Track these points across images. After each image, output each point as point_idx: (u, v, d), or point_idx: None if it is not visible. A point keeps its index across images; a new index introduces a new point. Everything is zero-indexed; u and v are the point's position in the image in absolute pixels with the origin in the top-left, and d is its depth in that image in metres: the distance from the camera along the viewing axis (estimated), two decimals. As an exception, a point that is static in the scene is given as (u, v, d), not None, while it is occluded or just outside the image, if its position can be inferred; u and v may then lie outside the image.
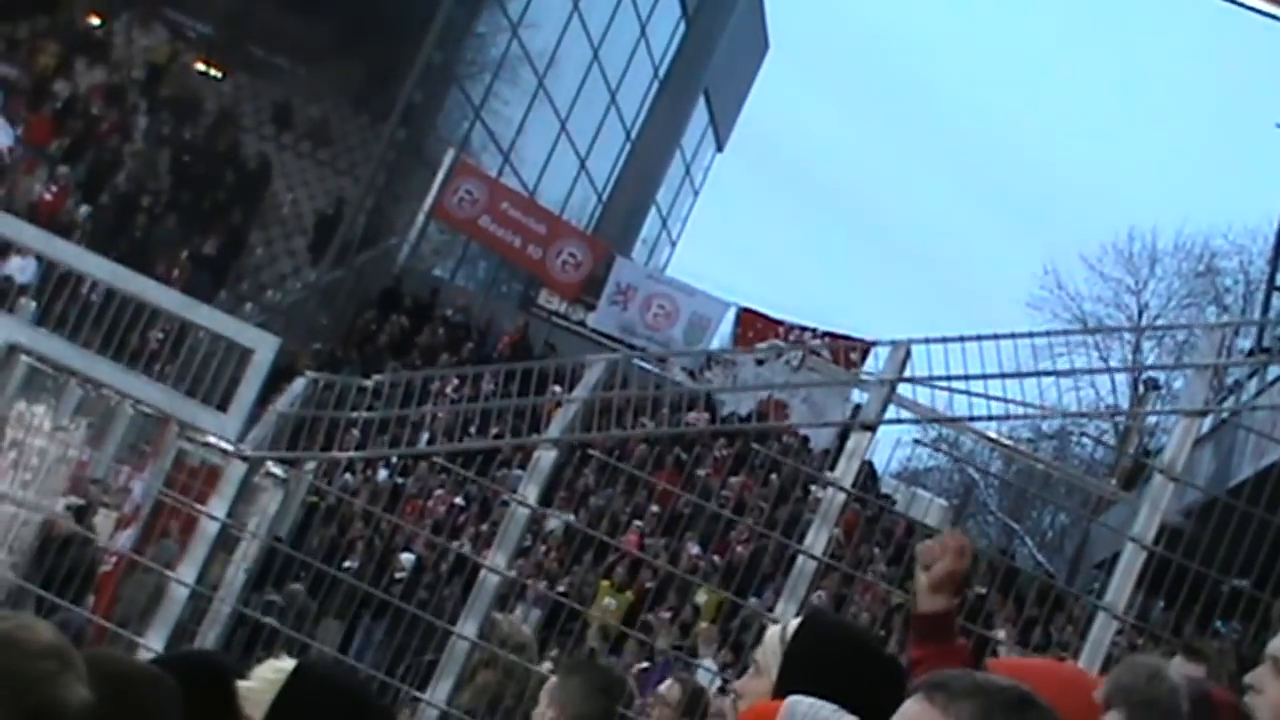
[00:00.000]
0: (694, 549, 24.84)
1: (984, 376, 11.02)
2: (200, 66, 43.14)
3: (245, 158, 38.92)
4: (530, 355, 32.37)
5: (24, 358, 11.47)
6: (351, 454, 15.16)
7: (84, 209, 33.88)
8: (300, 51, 44.77)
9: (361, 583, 15.70)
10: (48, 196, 33.33)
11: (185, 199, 36.17)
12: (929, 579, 5.24)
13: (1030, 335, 12.12)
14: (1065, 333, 17.73)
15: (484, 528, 24.41)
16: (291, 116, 41.43)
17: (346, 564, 22.15)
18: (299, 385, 11.62)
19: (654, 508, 24.91)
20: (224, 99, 41.27)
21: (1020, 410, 12.06)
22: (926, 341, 11.38)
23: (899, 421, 11.84)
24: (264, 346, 10.88)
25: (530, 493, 10.90)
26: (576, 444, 16.08)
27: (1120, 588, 11.30)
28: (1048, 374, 11.69)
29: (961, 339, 11.15)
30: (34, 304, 24.88)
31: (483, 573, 10.56)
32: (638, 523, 25.64)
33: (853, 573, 15.57)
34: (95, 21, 42.38)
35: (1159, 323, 51.41)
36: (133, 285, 11.20)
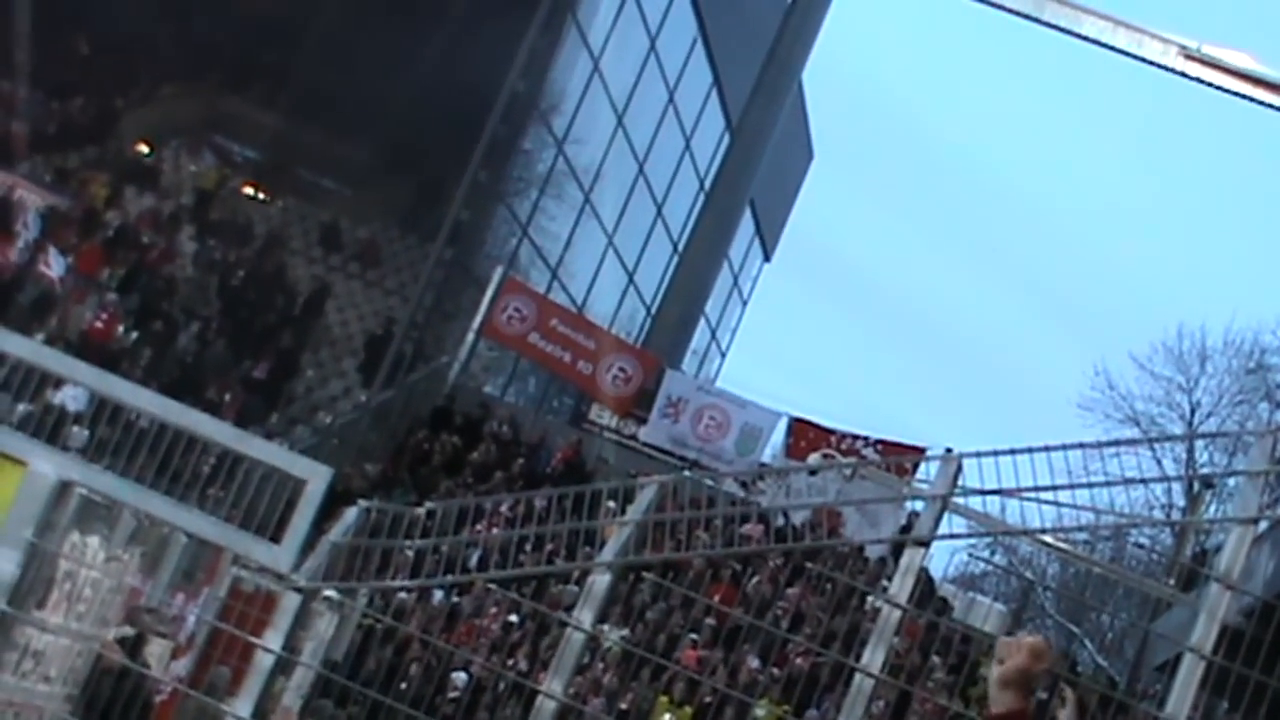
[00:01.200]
0: (753, 662, 24.70)
1: (1036, 489, 10.99)
2: (248, 191, 43.47)
3: (294, 280, 39.10)
4: (584, 470, 32.32)
5: (78, 490, 11.51)
6: (405, 583, 15.17)
7: (134, 335, 34.03)
8: (346, 173, 45.08)
9: (418, 709, 15.66)
10: (98, 324, 33.51)
11: (235, 323, 36.32)
12: (1000, 674, 5.20)
13: (1080, 446, 12.08)
14: (1113, 444, 17.67)
15: (543, 643, 24.32)
16: (339, 238, 41.64)
17: (404, 685, 22.11)
18: (351, 514, 11.66)
19: (710, 620, 24.81)
20: (272, 222, 41.52)
21: (1073, 518, 12.00)
22: (978, 455, 11.37)
23: (953, 537, 11.83)
24: (316, 477, 10.90)
25: (585, 616, 10.90)
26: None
27: (1181, 697, 11.22)
28: (1097, 484, 11.66)
29: (1012, 451, 11.14)
30: (85, 432, 24.98)
31: (539, 698, 10.55)
32: (694, 636, 25.52)
33: (909, 689, 15.46)
34: (144, 150, 42.78)
35: (1211, 420, 51.17)
36: (183, 418, 11.25)
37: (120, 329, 33.94)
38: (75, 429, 25.52)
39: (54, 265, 34.20)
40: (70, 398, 27.24)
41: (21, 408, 22.55)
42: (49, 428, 22.45)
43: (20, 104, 36.37)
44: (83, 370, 12.92)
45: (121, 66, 42.59)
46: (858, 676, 10.90)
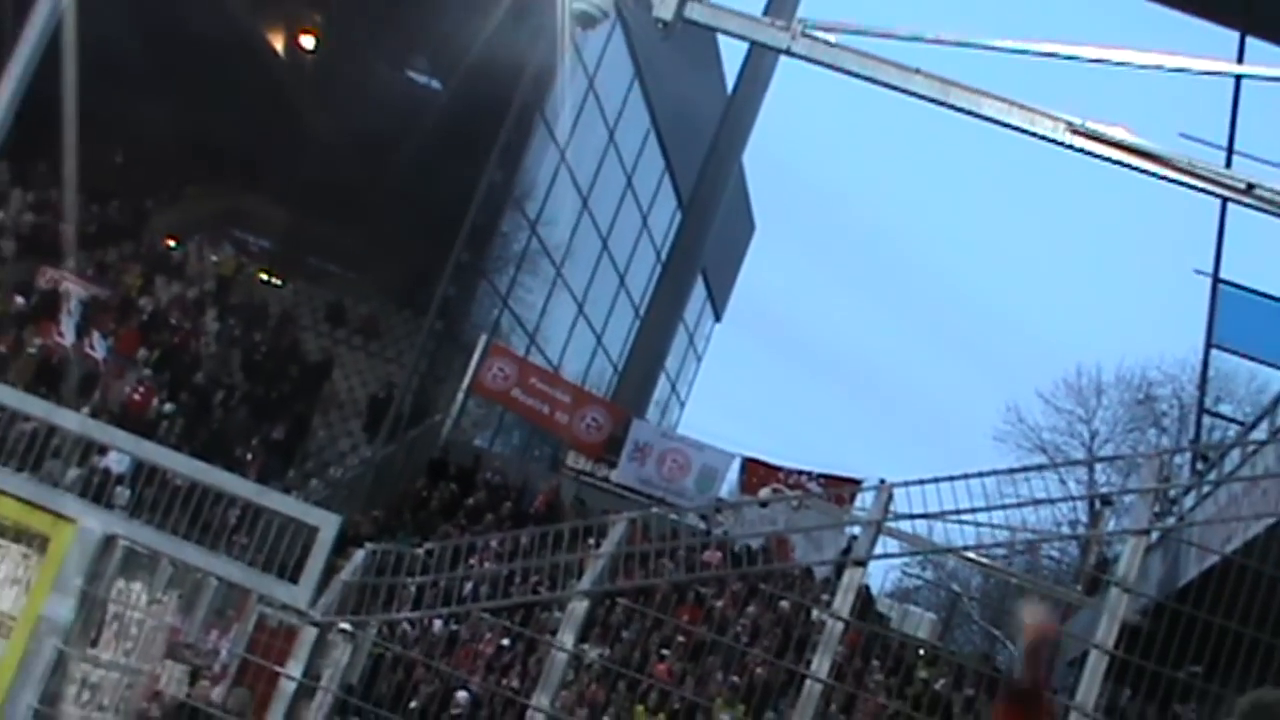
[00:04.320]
0: (719, 674, 24.65)
1: (959, 511, 11.03)
2: (263, 276, 43.48)
3: (306, 353, 39.06)
4: (562, 510, 32.25)
5: (122, 543, 11.50)
6: (409, 614, 15.12)
7: (168, 405, 33.98)
8: (348, 258, 45.16)
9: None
10: (136, 397, 33.47)
11: (255, 391, 36.27)
12: (1026, 649, 5.32)
13: (995, 473, 12.13)
14: (1024, 470, 17.70)
15: (532, 661, 24.22)
16: (344, 315, 41.63)
17: (413, 704, 22.00)
18: (360, 556, 11.65)
19: (679, 638, 24.74)
20: (285, 303, 41.52)
21: (992, 535, 12.02)
22: (906, 484, 11.40)
23: (887, 556, 11.85)
24: (328, 524, 10.90)
25: (568, 638, 10.88)
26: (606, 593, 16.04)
27: (1088, 687, 11.24)
28: (1011, 506, 11.70)
29: (937, 480, 11.18)
30: (128, 491, 24.89)
31: (531, 711, 10.53)
32: (665, 652, 25.43)
33: (853, 690, 15.44)
34: (172, 244, 42.77)
35: (1108, 445, 51.39)
36: (212, 477, 11.25)
37: (155, 400, 33.89)
38: (119, 489, 25.44)
39: (97, 347, 34.17)
40: (114, 462, 27.19)
41: (73, 472, 22.50)
42: (96, 488, 22.46)
43: (65, 208, 36.33)
44: (123, 438, 12.91)
45: (150, 172, 42.63)
46: (808, 682, 10.89)
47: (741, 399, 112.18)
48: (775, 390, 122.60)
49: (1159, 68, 10.68)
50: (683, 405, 61.36)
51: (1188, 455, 29.76)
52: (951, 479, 11.20)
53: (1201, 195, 10.60)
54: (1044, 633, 5.37)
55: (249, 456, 33.05)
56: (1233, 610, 11.65)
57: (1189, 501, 24.39)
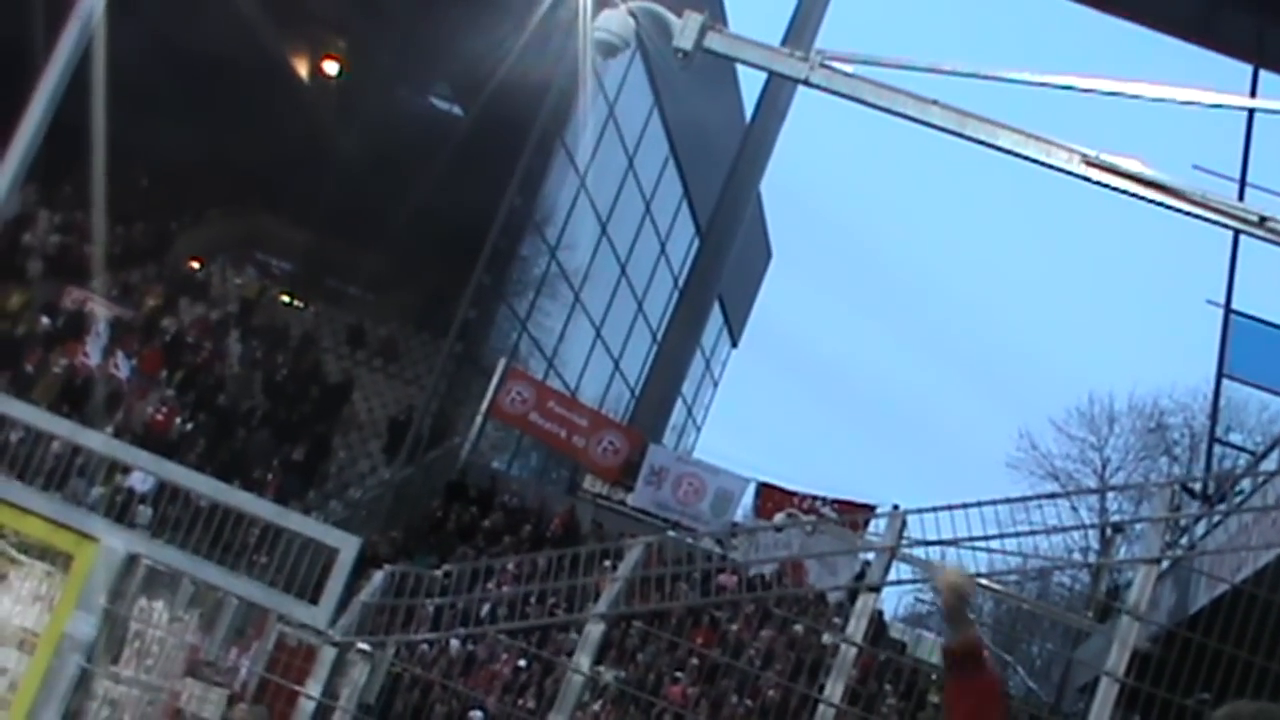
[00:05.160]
0: (735, 697, 24.61)
1: (971, 538, 11.03)
2: (285, 299, 43.55)
3: (326, 375, 39.11)
4: (579, 533, 32.25)
5: (144, 562, 11.52)
6: (427, 635, 15.13)
7: (190, 426, 34.03)
8: (369, 281, 45.25)
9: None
10: (159, 417, 33.51)
11: (276, 413, 36.30)
12: (945, 604, 5.15)
13: (1008, 500, 12.12)
14: (1036, 497, 17.70)
15: (548, 682, 24.21)
16: (364, 337, 41.66)
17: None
18: (379, 577, 11.66)
19: (693, 660, 24.72)
20: (306, 325, 41.55)
21: (1004, 562, 12.02)
22: (919, 511, 11.41)
23: (900, 582, 11.84)
24: (348, 546, 10.91)
25: (584, 660, 10.88)
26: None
27: (1099, 713, 11.22)
28: (1024, 533, 11.69)
29: (950, 507, 11.18)
30: (150, 510, 24.94)
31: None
32: (679, 674, 25.41)
33: (866, 715, 15.42)
34: (195, 266, 42.87)
35: (1119, 474, 51.35)
36: (233, 498, 11.27)
37: (178, 421, 33.94)
38: (142, 508, 25.54)
39: (121, 367, 34.23)
40: (139, 480, 27.27)
41: (96, 491, 22.56)
42: (119, 508, 22.52)
43: (91, 229, 36.43)
44: (146, 458, 12.95)
45: (175, 195, 42.75)
46: (821, 706, 10.89)
47: (757, 424, 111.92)
48: (790, 416, 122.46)
49: (1173, 101, 10.71)
50: (699, 430, 61.36)
51: (1199, 484, 29.71)
52: (965, 506, 11.21)
53: (1214, 227, 10.62)
54: (959, 586, 5.21)
55: (269, 477, 33.06)
56: (1242, 639, 11.64)
57: (1200, 530, 24.37)
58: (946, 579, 5.13)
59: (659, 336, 52.62)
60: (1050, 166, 10.67)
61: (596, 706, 24.19)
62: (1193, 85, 10.92)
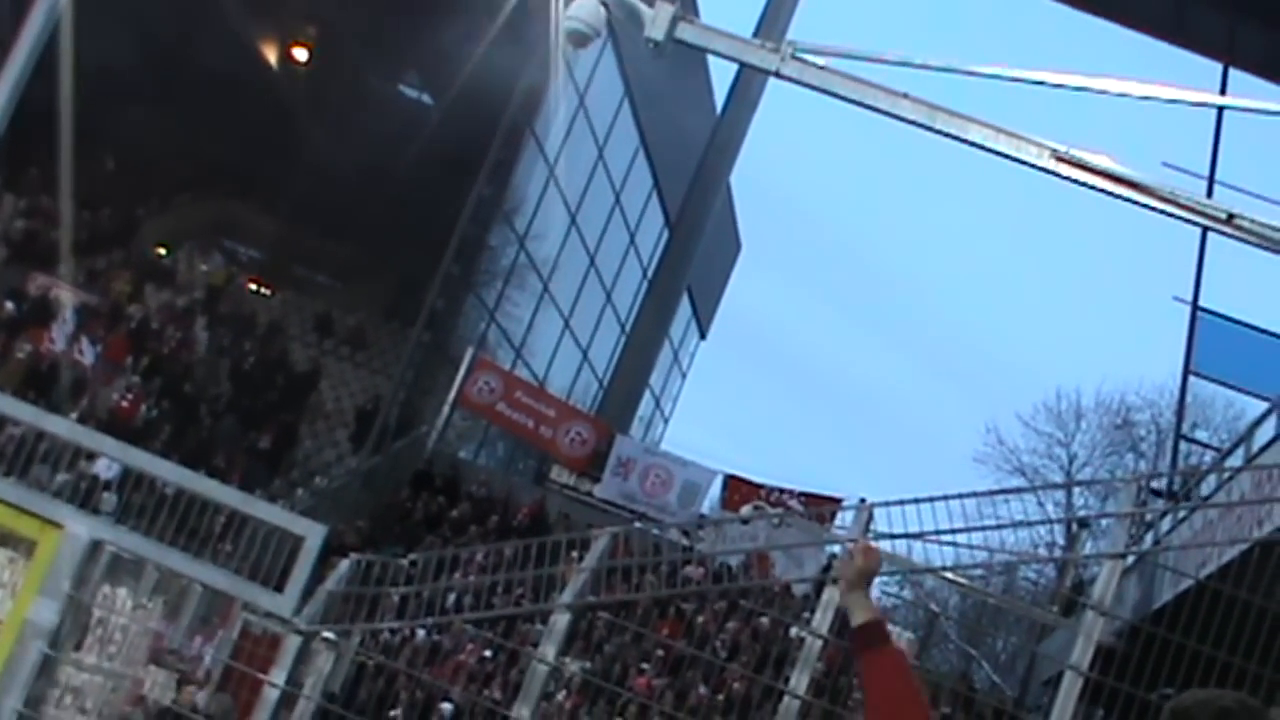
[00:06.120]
0: (701, 688, 24.64)
1: (938, 532, 11.05)
2: (252, 286, 43.43)
3: (293, 363, 39.02)
4: (546, 523, 32.26)
5: (108, 549, 11.48)
6: (391, 624, 15.11)
7: (155, 413, 33.92)
8: (337, 269, 45.20)
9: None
10: (124, 404, 33.40)
11: (243, 401, 36.21)
12: (847, 580, 5.11)
13: (975, 494, 12.15)
14: (1003, 492, 17.77)
15: (514, 673, 24.21)
16: (332, 325, 41.59)
17: (394, 713, 21.99)
18: (345, 565, 11.64)
19: (659, 652, 24.75)
20: (274, 313, 41.45)
21: (970, 556, 12.05)
22: (886, 504, 11.42)
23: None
24: (314, 534, 10.88)
25: (550, 650, 10.88)
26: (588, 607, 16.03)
27: (1063, 708, 11.25)
28: (990, 527, 11.72)
29: (917, 500, 11.20)
30: (115, 497, 24.84)
31: (511, 722, 10.53)
32: (645, 666, 25.44)
33: (831, 707, 15.45)
34: (162, 252, 42.74)
35: (1086, 469, 51.51)
36: (198, 485, 11.23)
37: (143, 408, 33.82)
38: (106, 494, 25.43)
39: (86, 353, 34.12)
40: (103, 467, 27.16)
41: (60, 477, 22.44)
42: (83, 494, 22.42)
43: (57, 214, 36.31)
44: (110, 444, 12.89)
45: (142, 181, 42.58)
46: (786, 698, 10.90)
47: (725, 416, 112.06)
48: (758, 408, 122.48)
49: (1144, 97, 10.73)
50: (666, 422, 61.36)
51: (1165, 480, 29.85)
52: (931, 499, 11.23)
53: (1182, 224, 10.65)
54: (868, 568, 5.19)
55: (234, 464, 32.97)
56: (1206, 634, 11.70)
57: (1165, 526, 24.47)
58: (856, 561, 5.13)
59: (627, 327, 52.61)
60: (1020, 161, 10.69)
61: (562, 697, 24.21)
62: (1164, 83, 10.95)
